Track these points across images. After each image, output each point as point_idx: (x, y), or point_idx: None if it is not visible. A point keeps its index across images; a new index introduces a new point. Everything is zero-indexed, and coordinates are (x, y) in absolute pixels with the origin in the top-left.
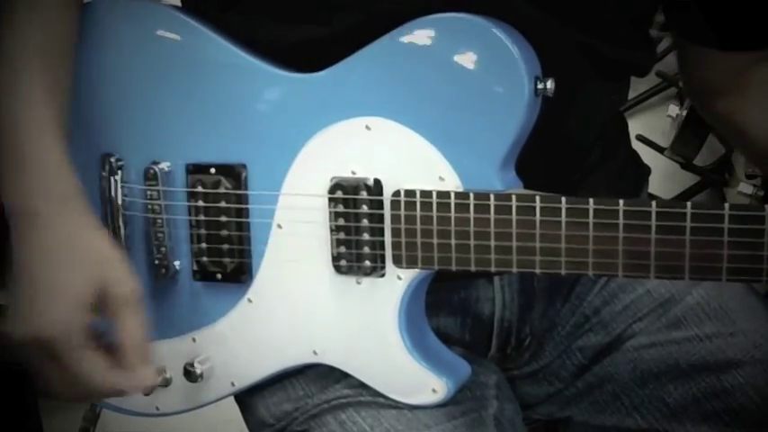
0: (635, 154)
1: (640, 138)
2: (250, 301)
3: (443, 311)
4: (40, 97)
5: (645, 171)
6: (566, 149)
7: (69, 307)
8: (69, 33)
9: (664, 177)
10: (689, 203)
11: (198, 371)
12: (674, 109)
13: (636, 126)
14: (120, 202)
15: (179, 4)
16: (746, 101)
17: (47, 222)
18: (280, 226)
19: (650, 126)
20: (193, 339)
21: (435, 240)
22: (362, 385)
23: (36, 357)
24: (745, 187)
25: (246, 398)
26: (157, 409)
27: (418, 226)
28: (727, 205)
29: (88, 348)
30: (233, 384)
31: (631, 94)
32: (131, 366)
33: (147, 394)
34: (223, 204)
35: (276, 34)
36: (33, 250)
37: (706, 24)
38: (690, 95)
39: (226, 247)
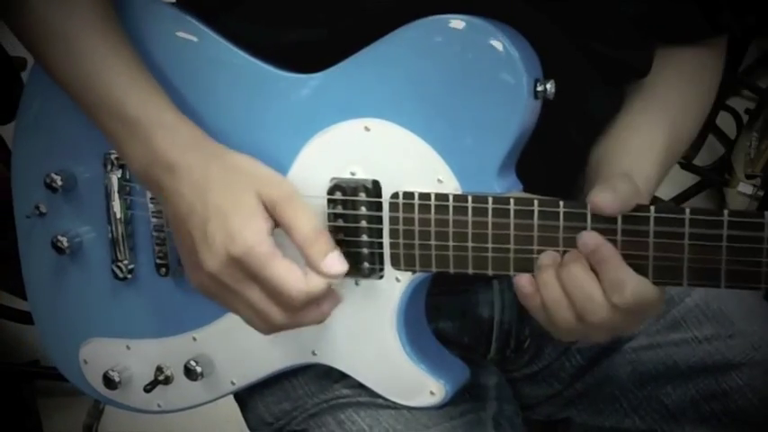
0: None
1: None
2: None
3: (443, 315)
4: (124, 65)
5: None
6: (568, 152)
7: (249, 219)
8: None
9: None
10: (688, 209)
11: (198, 369)
12: None
13: None
14: (121, 200)
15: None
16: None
17: (191, 168)
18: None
19: None
20: (194, 338)
21: (433, 242)
22: (361, 385)
23: (234, 283)
24: (745, 187)
25: (246, 396)
26: (159, 406)
27: (416, 228)
28: (726, 211)
29: (278, 254)
30: (233, 383)
31: None
32: (317, 258)
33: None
34: None
35: (273, 35)
36: (192, 194)
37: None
38: None
39: None
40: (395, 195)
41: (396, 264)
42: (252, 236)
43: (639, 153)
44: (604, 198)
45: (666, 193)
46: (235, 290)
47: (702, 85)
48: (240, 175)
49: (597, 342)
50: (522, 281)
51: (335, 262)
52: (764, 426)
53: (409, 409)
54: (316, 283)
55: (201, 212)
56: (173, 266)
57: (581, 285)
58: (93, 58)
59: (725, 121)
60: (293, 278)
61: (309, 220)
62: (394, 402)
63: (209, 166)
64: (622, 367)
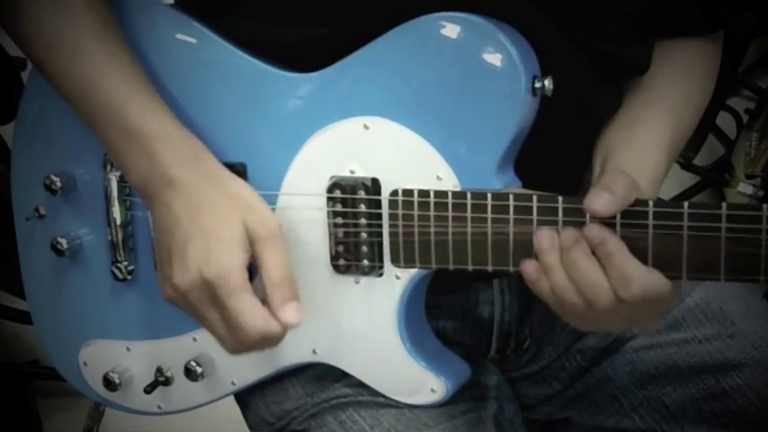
0: None
1: None
2: None
3: (443, 314)
4: (124, 73)
5: None
6: (566, 149)
7: (228, 248)
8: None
9: None
10: (686, 203)
11: (199, 370)
12: None
13: None
14: (120, 201)
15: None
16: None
17: (188, 186)
18: (279, 225)
19: None
20: (194, 339)
21: (433, 239)
22: (362, 384)
23: (198, 304)
24: (745, 187)
25: (247, 396)
26: (159, 407)
27: (416, 225)
28: (724, 205)
29: (246, 288)
30: (233, 383)
31: None
32: (277, 304)
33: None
34: None
35: (274, 34)
36: (182, 211)
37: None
38: None
39: None
40: (394, 193)
41: (396, 261)
42: (227, 264)
43: (645, 147)
44: (601, 203)
45: (667, 192)
46: (197, 309)
47: (701, 76)
48: (232, 201)
49: (615, 331)
50: (529, 268)
51: (293, 312)
52: (765, 425)
53: (410, 407)
54: (274, 327)
55: (186, 230)
56: None
57: (585, 273)
58: (93, 66)
59: (725, 121)
60: (255, 315)
61: (282, 264)
62: (395, 401)
63: (203, 187)
64: (622, 367)
